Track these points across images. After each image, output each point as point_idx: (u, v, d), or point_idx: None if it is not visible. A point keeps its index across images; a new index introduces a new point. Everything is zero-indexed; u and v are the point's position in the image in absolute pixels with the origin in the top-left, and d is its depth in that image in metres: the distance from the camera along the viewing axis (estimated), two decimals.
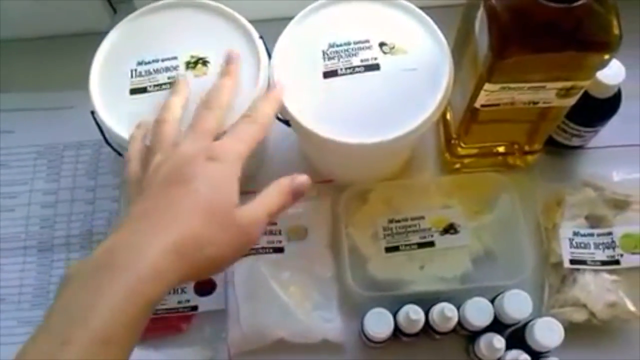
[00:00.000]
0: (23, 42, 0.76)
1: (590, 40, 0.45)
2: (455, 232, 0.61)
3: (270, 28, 0.58)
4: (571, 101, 0.53)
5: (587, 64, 0.47)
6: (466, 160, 0.64)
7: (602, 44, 0.45)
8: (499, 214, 0.62)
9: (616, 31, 0.45)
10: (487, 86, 0.50)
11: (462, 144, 0.61)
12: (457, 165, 0.65)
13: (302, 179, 0.48)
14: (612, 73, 0.56)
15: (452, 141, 0.63)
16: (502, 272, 0.59)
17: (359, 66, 0.55)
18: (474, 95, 0.52)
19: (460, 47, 0.57)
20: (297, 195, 0.47)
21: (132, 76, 0.57)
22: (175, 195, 0.43)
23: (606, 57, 0.46)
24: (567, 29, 0.44)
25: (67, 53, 0.72)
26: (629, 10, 0.70)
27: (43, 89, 0.73)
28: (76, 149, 0.71)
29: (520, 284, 0.56)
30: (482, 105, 0.53)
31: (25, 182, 0.69)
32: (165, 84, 0.56)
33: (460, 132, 0.60)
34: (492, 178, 0.63)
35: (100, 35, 0.59)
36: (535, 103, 0.53)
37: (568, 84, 0.50)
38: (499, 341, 0.52)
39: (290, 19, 0.59)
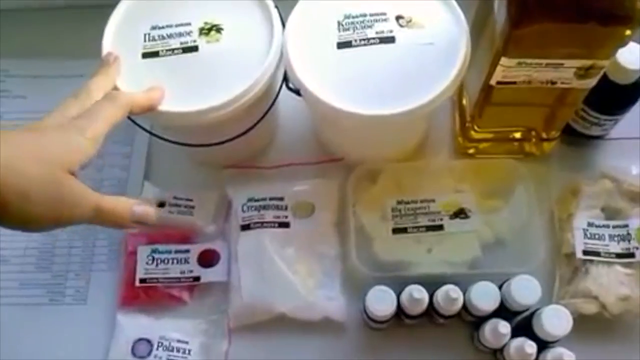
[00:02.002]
0: (40, 11, 0.76)
1: (611, 12, 0.43)
2: (466, 216, 0.59)
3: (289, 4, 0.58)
4: (590, 82, 0.51)
5: (607, 39, 0.46)
6: (481, 146, 0.63)
7: (622, 17, 0.44)
8: (512, 201, 0.60)
9: (638, 4, 0.43)
10: (503, 60, 0.48)
11: (477, 127, 0.60)
12: (472, 151, 0.63)
13: (148, 211, 0.48)
14: (634, 58, 0.54)
15: (467, 124, 0.61)
16: (512, 260, 0.58)
17: (373, 38, 0.54)
18: (490, 72, 0.51)
19: (478, 27, 0.56)
20: (134, 219, 0.47)
21: (145, 40, 0.57)
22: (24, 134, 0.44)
23: (627, 32, 0.45)
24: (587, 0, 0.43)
25: (83, 23, 0.72)
26: None
27: (57, 56, 0.73)
28: None
29: (530, 273, 0.54)
30: (498, 83, 0.51)
31: None
32: (177, 49, 0.56)
33: (474, 115, 0.59)
34: (507, 165, 0.61)
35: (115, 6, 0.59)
36: (553, 83, 0.51)
37: (587, 62, 0.48)
38: (504, 326, 0.51)
39: None
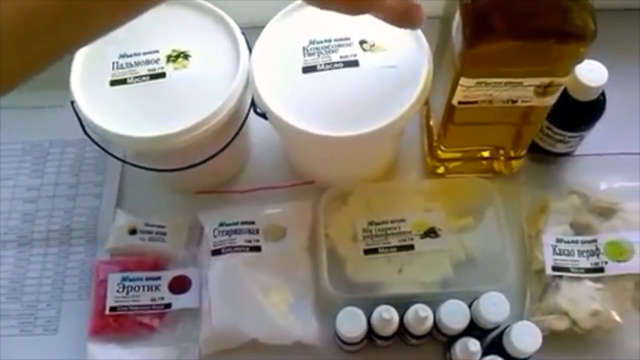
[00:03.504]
0: None
1: (566, 30, 0.45)
2: (436, 236, 0.59)
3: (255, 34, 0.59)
4: (550, 100, 0.52)
5: (563, 56, 0.47)
6: (450, 165, 0.63)
7: (571, 34, 0.45)
8: (482, 220, 0.61)
9: (590, 22, 0.44)
10: (462, 81, 0.49)
11: (442, 147, 0.61)
12: (441, 170, 0.64)
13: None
14: (593, 75, 0.55)
15: (434, 144, 0.62)
16: (483, 278, 0.58)
17: (338, 62, 0.55)
18: (451, 93, 0.52)
19: (441, 50, 0.57)
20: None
21: (113, 68, 0.57)
22: None
23: (581, 49, 0.46)
24: (538, 19, 0.44)
25: None
26: (615, 19, 0.71)
27: (33, 87, 0.74)
28: (62, 146, 0.71)
29: (501, 291, 0.54)
30: (460, 102, 0.52)
31: (9, 177, 0.69)
32: (145, 75, 0.57)
33: (440, 134, 0.60)
34: (476, 183, 0.62)
35: None
36: (514, 102, 0.52)
37: (545, 80, 0.49)
38: (474, 344, 0.51)
39: None
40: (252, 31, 0.59)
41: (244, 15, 0.62)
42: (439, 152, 0.61)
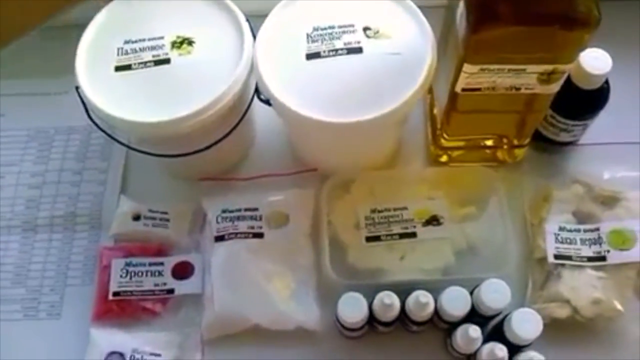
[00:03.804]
0: None
1: (570, 16, 0.45)
2: (438, 224, 0.59)
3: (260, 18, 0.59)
4: (554, 88, 0.52)
5: (566, 43, 0.47)
6: (454, 154, 0.63)
7: (581, 21, 0.44)
8: (485, 208, 0.61)
9: (594, 9, 0.44)
10: (466, 67, 0.49)
11: (446, 135, 0.61)
12: (444, 159, 0.64)
13: None
14: (597, 63, 0.55)
15: (437, 133, 0.62)
16: (485, 266, 0.58)
17: (341, 49, 0.55)
18: (455, 80, 0.52)
19: (445, 37, 0.57)
20: None
21: (118, 54, 0.58)
22: None
23: (586, 36, 0.46)
24: (542, 4, 0.44)
25: (63, 42, 0.73)
26: (619, 8, 0.70)
27: (39, 75, 0.74)
28: (67, 133, 0.71)
29: (503, 279, 0.54)
30: (463, 90, 0.52)
31: (14, 163, 0.70)
32: (149, 61, 0.57)
33: (443, 122, 0.60)
34: (479, 172, 0.62)
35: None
36: (517, 89, 0.52)
37: (549, 67, 0.49)
38: (474, 331, 0.51)
39: None
40: (256, 19, 0.59)
41: (249, 3, 0.62)
42: (442, 140, 0.61)
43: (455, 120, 0.58)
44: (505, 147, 0.62)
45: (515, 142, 0.61)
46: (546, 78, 0.50)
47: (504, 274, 0.55)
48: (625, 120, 0.64)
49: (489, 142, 0.62)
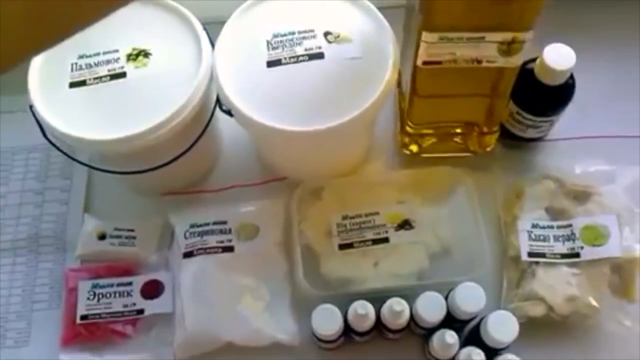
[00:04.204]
0: None
1: None
2: (411, 227, 0.58)
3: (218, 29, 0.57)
4: (516, 60, 0.50)
5: (521, 5, 0.46)
6: (424, 144, 0.62)
7: None
8: (456, 208, 0.60)
9: None
10: (425, 35, 0.48)
11: (410, 123, 0.60)
12: (414, 148, 0.63)
13: None
14: (561, 59, 0.55)
15: (404, 122, 0.61)
16: (460, 267, 0.57)
17: (302, 55, 0.54)
18: (415, 54, 0.51)
19: (405, 41, 0.56)
20: None
21: (72, 70, 0.56)
22: None
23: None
24: None
25: None
26: (584, 6, 0.71)
27: None
28: (27, 152, 0.69)
29: (478, 279, 0.54)
30: (424, 63, 0.51)
31: None
32: (105, 76, 0.55)
33: (407, 110, 0.59)
34: (449, 172, 0.61)
35: None
36: (479, 62, 0.51)
37: (507, 35, 0.48)
38: (451, 336, 0.50)
39: None
40: (214, 26, 0.57)
41: (206, 9, 0.60)
42: (408, 127, 0.60)
43: (419, 105, 0.57)
44: (475, 134, 0.61)
45: (485, 129, 0.60)
46: (506, 48, 0.49)
47: (479, 275, 0.55)
48: (594, 113, 0.64)
49: (458, 130, 0.61)
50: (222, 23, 0.57)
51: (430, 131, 0.61)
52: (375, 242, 0.58)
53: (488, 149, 0.62)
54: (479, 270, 0.56)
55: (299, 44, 0.55)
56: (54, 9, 0.33)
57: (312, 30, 0.55)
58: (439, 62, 0.51)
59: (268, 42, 0.55)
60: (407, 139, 0.62)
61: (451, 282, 0.54)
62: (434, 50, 0.50)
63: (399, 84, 0.62)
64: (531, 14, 0.47)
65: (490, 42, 0.49)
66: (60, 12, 0.34)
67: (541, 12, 0.46)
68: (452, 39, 0.49)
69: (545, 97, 0.57)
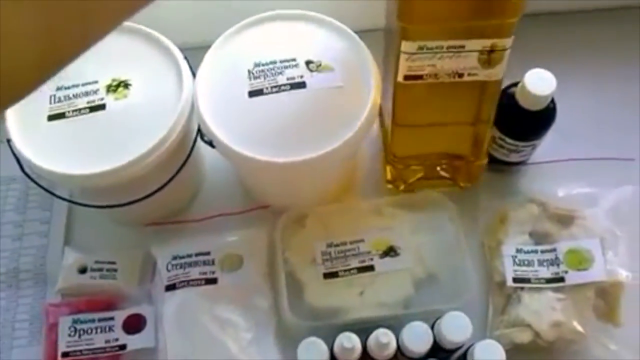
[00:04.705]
0: None
1: None
2: (396, 254, 0.58)
3: (196, 55, 0.57)
4: (497, 72, 0.50)
5: (498, 7, 0.46)
6: (410, 179, 0.62)
7: None
8: (441, 234, 0.60)
9: None
10: (404, 45, 0.48)
11: (394, 157, 0.59)
12: (401, 187, 0.63)
13: None
14: (542, 84, 0.55)
15: (388, 154, 0.61)
16: (446, 295, 0.57)
17: (285, 85, 0.54)
18: (396, 70, 0.50)
19: (385, 67, 0.57)
20: None
21: (51, 102, 0.55)
22: None
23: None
24: None
25: None
26: (565, 27, 0.72)
27: None
28: (6, 184, 0.68)
29: (464, 306, 0.53)
30: (406, 77, 0.50)
31: None
32: (84, 108, 0.54)
33: (389, 141, 0.58)
34: (432, 197, 0.61)
35: None
36: (460, 76, 0.50)
37: (487, 42, 0.48)
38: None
39: None
40: (197, 52, 0.57)
41: (188, 35, 0.60)
42: (392, 162, 0.60)
43: (401, 137, 0.57)
44: (462, 167, 0.61)
45: (473, 159, 0.60)
46: (487, 58, 0.49)
47: (465, 302, 0.54)
48: (576, 136, 0.65)
49: (444, 164, 0.61)
50: (204, 48, 0.57)
51: (416, 166, 0.60)
52: (361, 270, 0.58)
53: (476, 181, 0.62)
54: (464, 297, 0.55)
55: (281, 73, 0.54)
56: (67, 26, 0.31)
57: (294, 59, 0.55)
58: (420, 77, 0.51)
59: (250, 72, 0.55)
60: (391, 174, 0.62)
61: (437, 310, 0.54)
62: (414, 63, 0.49)
63: (381, 114, 0.61)
64: (510, 11, 0.46)
65: (471, 52, 0.49)
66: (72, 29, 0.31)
67: (522, 11, 0.45)
68: (432, 49, 0.48)
69: (526, 122, 0.57)
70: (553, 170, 0.64)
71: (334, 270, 0.57)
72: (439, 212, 0.60)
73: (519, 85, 0.57)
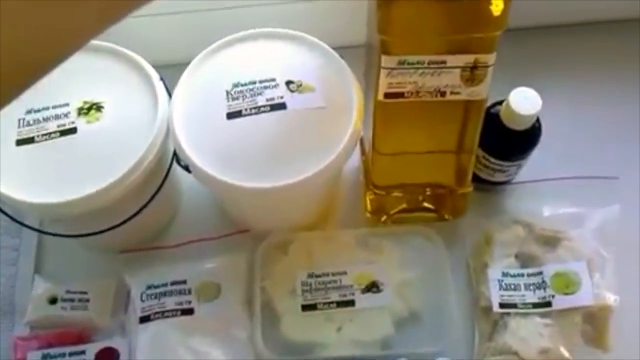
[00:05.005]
0: None
1: None
2: (378, 290, 0.55)
3: (174, 73, 0.55)
4: (480, 90, 0.49)
5: (480, 19, 0.44)
6: (392, 210, 0.61)
7: None
8: (426, 269, 0.58)
9: None
10: (384, 60, 0.46)
11: (375, 188, 0.58)
12: (383, 218, 0.61)
13: None
14: (527, 103, 0.54)
15: (368, 183, 0.59)
16: (428, 336, 0.54)
17: (264, 106, 0.52)
18: (376, 88, 0.49)
19: (367, 77, 0.55)
20: None
21: (19, 126, 0.53)
22: None
23: (495, 11, 0.43)
24: None
25: None
26: (549, 42, 0.71)
27: None
28: None
29: (447, 349, 0.52)
30: (386, 96, 0.49)
31: None
32: (54, 132, 0.52)
33: (369, 168, 0.57)
34: (419, 229, 0.59)
35: None
36: (442, 94, 0.49)
37: (470, 58, 0.46)
38: None
39: None
40: (175, 69, 0.55)
41: (164, 52, 0.58)
42: (372, 188, 0.58)
43: (381, 165, 0.55)
44: (444, 196, 0.60)
45: (456, 188, 0.59)
46: (469, 75, 0.48)
47: (447, 344, 0.53)
48: (561, 155, 0.64)
49: (428, 192, 0.60)
50: (182, 65, 0.55)
51: (398, 193, 0.59)
52: (340, 304, 0.55)
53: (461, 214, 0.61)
54: (446, 339, 0.53)
55: (260, 93, 0.53)
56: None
57: (274, 79, 0.53)
58: (402, 95, 0.49)
59: (228, 92, 0.53)
60: (372, 205, 0.60)
61: (417, 353, 0.52)
62: (395, 79, 0.48)
63: (362, 143, 0.60)
64: (491, 25, 0.45)
65: (453, 68, 0.47)
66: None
67: (503, 26, 0.44)
68: (412, 64, 0.47)
69: (511, 142, 0.56)
70: (538, 190, 0.63)
71: (313, 302, 0.55)
72: (426, 246, 0.58)
73: (504, 104, 0.56)
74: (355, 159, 0.63)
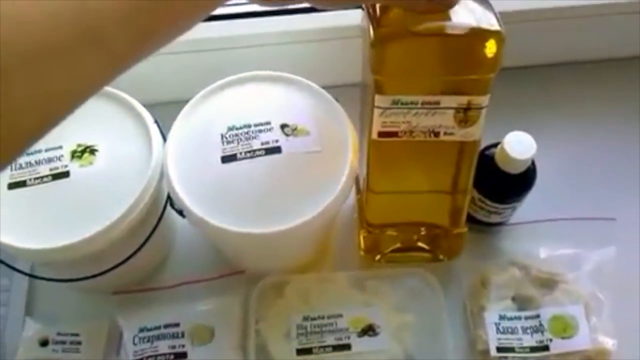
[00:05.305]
0: None
1: (472, 26, 0.43)
2: (375, 334, 0.55)
3: (170, 111, 0.55)
4: (474, 132, 0.49)
5: (474, 59, 0.44)
6: (386, 249, 0.60)
7: (482, 29, 0.42)
8: (423, 312, 0.57)
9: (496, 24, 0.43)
10: (377, 100, 0.46)
11: (368, 226, 0.58)
12: (377, 257, 0.61)
13: None
14: (521, 147, 0.54)
15: (362, 221, 0.59)
16: None
17: (259, 149, 0.52)
18: (370, 127, 0.49)
19: (362, 116, 0.55)
20: None
21: (11, 169, 0.52)
22: None
23: (494, 48, 0.43)
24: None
25: None
26: (545, 87, 0.71)
27: None
28: None
29: None
30: (380, 135, 0.49)
31: None
32: (47, 176, 0.52)
33: (363, 207, 0.57)
34: (415, 271, 0.59)
35: None
36: (436, 134, 0.49)
37: (463, 99, 0.46)
38: None
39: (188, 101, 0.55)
40: (170, 107, 0.54)
41: (159, 92, 0.58)
42: (366, 226, 0.58)
43: (375, 204, 0.55)
44: (440, 235, 0.59)
45: (451, 228, 0.58)
46: (463, 116, 0.48)
47: None
48: (555, 196, 0.64)
49: (422, 232, 0.59)
50: (177, 103, 0.54)
51: (392, 232, 0.59)
52: (336, 348, 0.54)
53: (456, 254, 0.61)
54: None
55: (255, 137, 0.53)
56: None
57: (269, 123, 0.53)
58: (395, 134, 0.49)
59: (223, 136, 0.53)
60: (365, 244, 0.60)
61: None
62: (388, 118, 0.48)
63: (357, 182, 0.60)
64: (486, 67, 0.45)
65: (447, 109, 0.47)
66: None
67: (498, 67, 0.44)
68: (406, 104, 0.47)
69: (507, 184, 0.56)
70: (534, 231, 0.63)
71: (309, 346, 0.54)
72: (422, 288, 0.58)
73: (498, 147, 0.56)
74: (350, 196, 0.63)
